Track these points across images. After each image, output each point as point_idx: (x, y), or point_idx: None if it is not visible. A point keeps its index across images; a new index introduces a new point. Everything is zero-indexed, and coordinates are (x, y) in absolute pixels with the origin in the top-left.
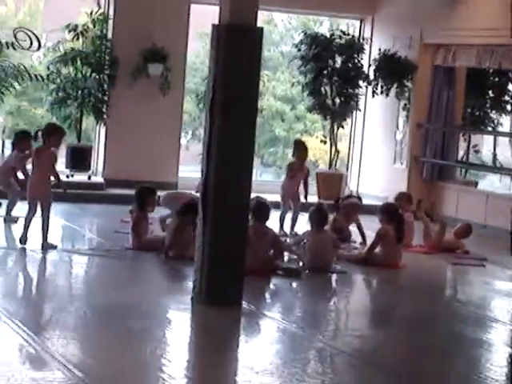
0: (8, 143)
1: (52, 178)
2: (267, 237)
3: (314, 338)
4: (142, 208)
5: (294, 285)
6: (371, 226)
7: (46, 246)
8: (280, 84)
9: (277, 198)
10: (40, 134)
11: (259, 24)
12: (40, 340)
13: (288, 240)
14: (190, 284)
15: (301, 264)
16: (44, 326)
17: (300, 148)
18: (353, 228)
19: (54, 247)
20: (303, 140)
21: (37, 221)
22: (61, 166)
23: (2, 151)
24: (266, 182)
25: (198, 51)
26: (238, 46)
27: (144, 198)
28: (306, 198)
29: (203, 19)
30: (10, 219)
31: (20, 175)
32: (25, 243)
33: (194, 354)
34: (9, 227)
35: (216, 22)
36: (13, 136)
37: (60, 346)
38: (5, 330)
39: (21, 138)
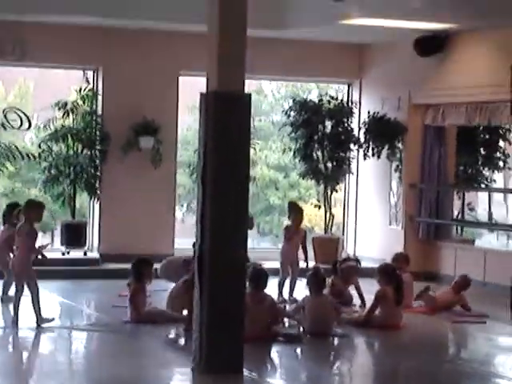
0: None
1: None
2: (265, 303)
3: None
4: (139, 280)
5: (296, 350)
6: (370, 289)
7: (41, 322)
8: (272, 153)
9: (275, 264)
10: (21, 212)
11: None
12: None
13: (287, 306)
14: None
15: (301, 329)
16: None
17: (295, 210)
18: (352, 291)
19: (51, 320)
20: (297, 202)
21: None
22: (56, 243)
23: None
24: (263, 249)
25: (190, 124)
26: (227, 113)
27: (141, 270)
28: (306, 261)
29: (192, 91)
30: (6, 299)
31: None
32: (17, 324)
33: None
34: (6, 307)
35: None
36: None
37: None
38: None
39: (10, 211)
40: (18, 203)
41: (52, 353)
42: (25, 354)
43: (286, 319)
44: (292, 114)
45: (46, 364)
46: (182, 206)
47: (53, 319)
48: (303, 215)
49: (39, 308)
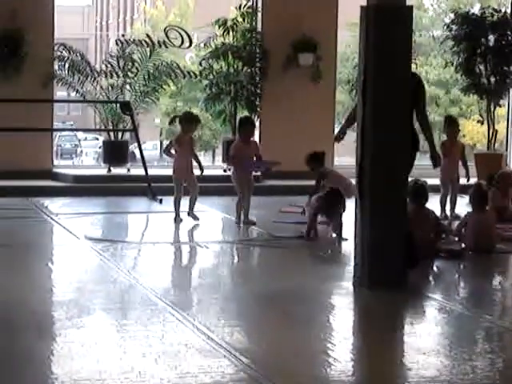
0: (166, 144)
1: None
2: (429, 219)
3: (480, 317)
4: None
5: (457, 266)
6: None
7: (192, 216)
8: (432, 69)
9: (436, 181)
10: (177, 120)
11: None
12: (205, 328)
13: (450, 222)
14: (350, 269)
15: (463, 245)
16: (209, 315)
17: (450, 123)
18: None
19: (197, 219)
20: (453, 115)
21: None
22: (218, 161)
23: (161, 153)
24: (424, 166)
25: (348, 41)
26: (388, 26)
27: None
28: (467, 177)
29: (352, 7)
30: (194, 216)
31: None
32: (179, 221)
33: (358, 337)
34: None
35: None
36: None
37: (225, 334)
38: (171, 320)
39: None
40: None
41: (215, 266)
42: (189, 267)
43: (448, 235)
44: (454, 27)
45: (209, 277)
46: (341, 123)
47: (198, 218)
48: (459, 128)
49: (193, 206)
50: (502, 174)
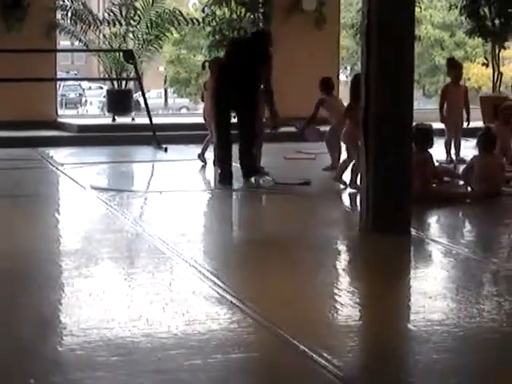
0: (170, 92)
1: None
2: (429, 163)
3: (487, 260)
4: None
5: (463, 210)
6: None
7: (202, 159)
8: (437, 12)
9: (440, 125)
10: (207, 65)
11: None
12: (213, 276)
13: (455, 166)
14: (356, 214)
15: (469, 189)
16: (216, 263)
17: (451, 65)
18: None
19: (205, 162)
20: (455, 58)
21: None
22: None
23: (166, 100)
24: (429, 110)
25: None
26: None
27: None
28: (467, 120)
29: None
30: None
31: None
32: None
33: (364, 282)
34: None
35: None
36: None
37: (233, 282)
38: (178, 268)
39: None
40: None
41: (222, 213)
42: (200, 214)
43: (453, 179)
44: None
45: (215, 225)
46: (346, 68)
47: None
48: (461, 70)
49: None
50: (507, 106)
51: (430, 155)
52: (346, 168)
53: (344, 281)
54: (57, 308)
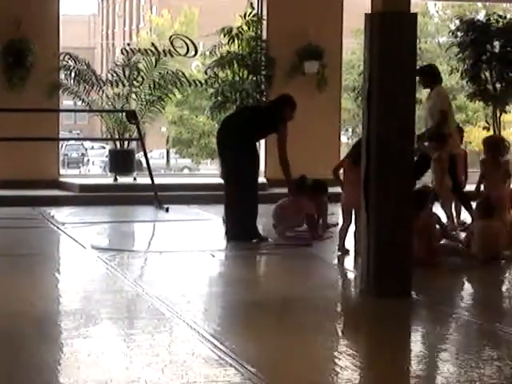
0: (172, 152)
1: None
2: (433, 225)
3: (487, 325)
4: None
5: (463, 274)
6: None
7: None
8: None
9: None
10: None
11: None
12: (212, 337)
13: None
14: (356, 276)
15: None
16: (216, 324)
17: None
18: None
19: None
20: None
21: None
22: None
23: (168, 160)
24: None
25: (353, 48)
26: (393, 34)
27: None
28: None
29: (356, 15)
30: None
31: None
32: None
33: (364, 345)
34: None
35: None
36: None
37: (232, 343)
38: (177, 330)
39: None
40: None
41: (221, 274)
42: (196, 276)
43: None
44: (459, 34)
45: (215, 286)
46: (347, 130)
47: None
48: (462, 134)
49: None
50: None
51: (436, 218)
52: (346, 234)
53: (344, 343)
54: (56, 368)
